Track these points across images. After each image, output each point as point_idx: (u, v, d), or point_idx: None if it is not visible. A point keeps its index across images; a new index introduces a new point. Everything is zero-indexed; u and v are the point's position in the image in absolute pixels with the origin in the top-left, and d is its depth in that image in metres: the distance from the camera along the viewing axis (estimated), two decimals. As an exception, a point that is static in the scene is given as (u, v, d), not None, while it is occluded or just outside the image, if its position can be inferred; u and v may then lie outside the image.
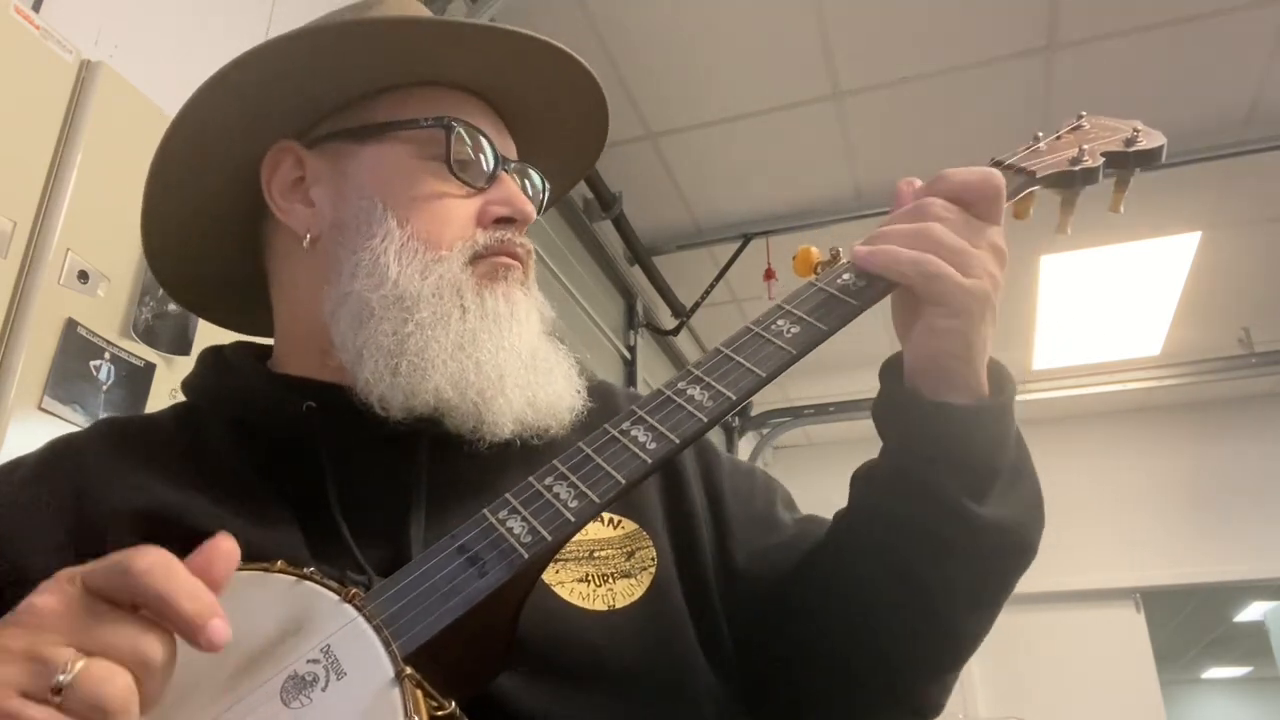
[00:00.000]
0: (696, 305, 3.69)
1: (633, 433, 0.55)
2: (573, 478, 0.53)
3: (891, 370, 0.66)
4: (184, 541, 0.58)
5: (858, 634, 0.65)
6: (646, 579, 0.65)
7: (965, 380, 0.62)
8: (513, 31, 0.70)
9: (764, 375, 0.57)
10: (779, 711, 0.71)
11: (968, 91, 2.80)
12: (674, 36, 2.63)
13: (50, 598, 0.41)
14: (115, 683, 0.39)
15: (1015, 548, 0.63)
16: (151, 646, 0.41)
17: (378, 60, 0.69)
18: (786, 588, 0.69)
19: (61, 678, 0.38)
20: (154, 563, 0.41)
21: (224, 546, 0.44)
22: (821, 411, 4.48)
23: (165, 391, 1.38)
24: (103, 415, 1.27)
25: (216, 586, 0.42)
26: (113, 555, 0.42)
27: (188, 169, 0.70)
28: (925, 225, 0.62)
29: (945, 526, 0.60)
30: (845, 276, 0.63)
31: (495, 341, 0.65)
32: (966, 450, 0.61)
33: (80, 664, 0.39)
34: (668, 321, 3.88)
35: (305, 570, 0.48)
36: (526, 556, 0.50)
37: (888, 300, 0.64)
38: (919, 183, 0.67)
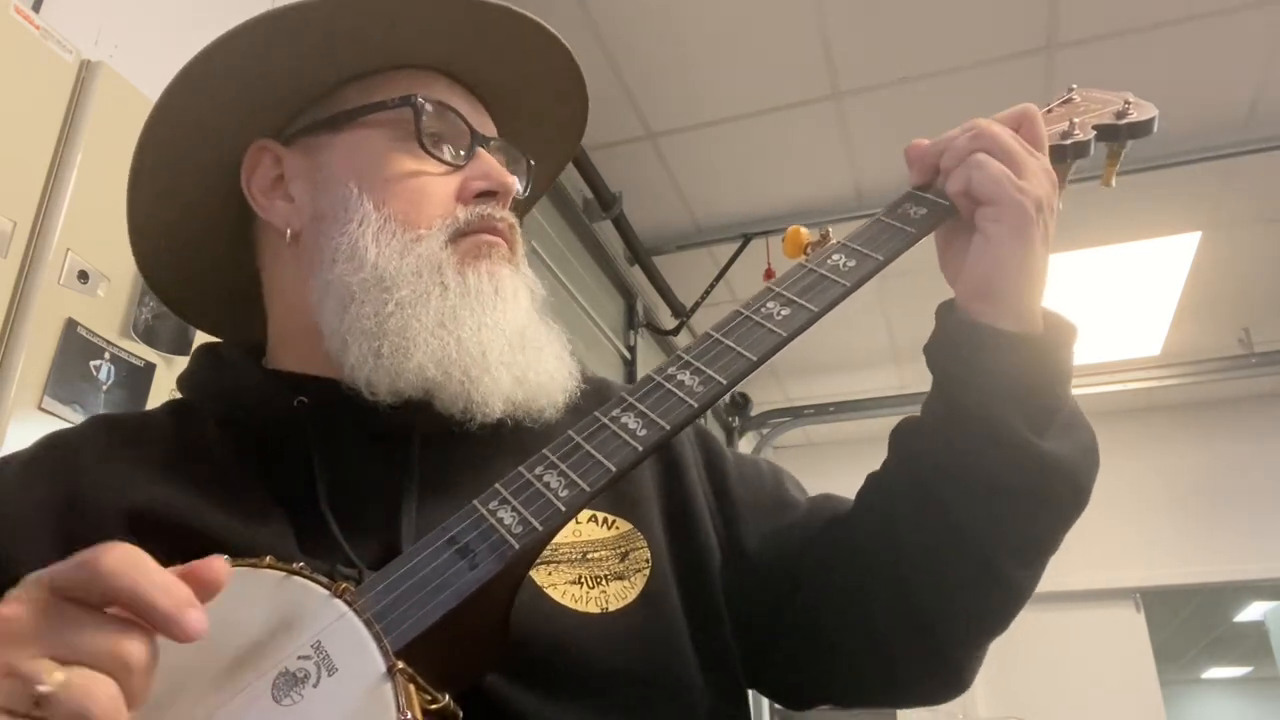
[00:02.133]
0: (696, 305, 3.69)
1: (623, 420, 0.55)
2: (563, 466, 0.53)
3: (947, 307, 0.65)
4: (175, 538, 0.58)
5: (894, 596, 0.63)
6: (640, 581, 0.64)
7: (1018, 304, 0.61)
8: (471, 0, 0.69)
9: (755, 359, 0.57)
10: (803, 692, 0.71)
11: (968, 91, 2.79)
12: (674, 36, 2.63)
13: (18, 606, 0.38)
14: (99, 691, 0.37)
15: (1069, 492, 0.60)
16: (130, 648, 0.39)
17: (337, 43, 0.68)
18: (806, 560, 0.68)
19: (42, 689, 0.36)
20: (121, 558, 0.39)
21: (214, 560, 0.42)
22: (821, 411, 4.47)
23: (165, 391, 1.38)
24: (101, 414, 1.27)
25: (206, 585, 0.41)
26: (78, 554, 0.40)
27: (166, 169, 0.70)
28: (984, 129, 0.63)
29: (1001, 458, 0.58)
30: (835, 257, 0.62)
31: (477, 319, 0.64)
32: (1024, 380, 0.59)
33: (60, 675, 0.37)
34: (668, 321, 3.87)
35: (294, 565, 0.48)
36: (517, 547, 0.50)
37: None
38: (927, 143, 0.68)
